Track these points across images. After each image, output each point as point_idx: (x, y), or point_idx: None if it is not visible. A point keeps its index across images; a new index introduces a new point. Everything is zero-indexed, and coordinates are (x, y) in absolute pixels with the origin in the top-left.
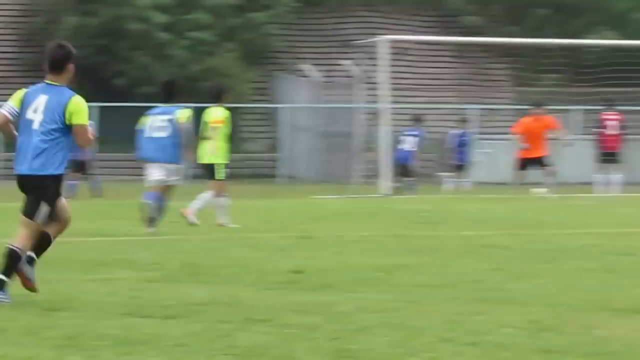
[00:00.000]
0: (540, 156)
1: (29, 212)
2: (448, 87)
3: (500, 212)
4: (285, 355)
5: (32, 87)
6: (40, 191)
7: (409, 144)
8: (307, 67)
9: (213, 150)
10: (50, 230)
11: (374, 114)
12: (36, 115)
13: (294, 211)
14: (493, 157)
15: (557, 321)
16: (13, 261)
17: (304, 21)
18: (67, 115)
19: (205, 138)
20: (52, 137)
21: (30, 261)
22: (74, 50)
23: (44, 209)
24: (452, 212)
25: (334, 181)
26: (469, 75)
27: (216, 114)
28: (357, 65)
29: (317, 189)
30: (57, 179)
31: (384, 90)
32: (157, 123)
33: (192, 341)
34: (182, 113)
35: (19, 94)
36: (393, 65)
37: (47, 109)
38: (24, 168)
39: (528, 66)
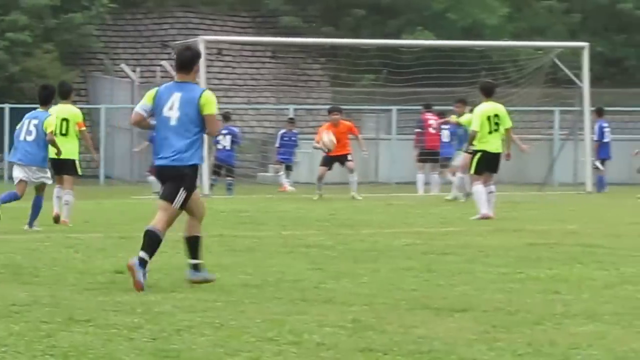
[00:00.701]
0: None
1: (168, 197)
2: (266, 87)
3: (320, 212)
4: (106, 355)
5: (163, 86)
6: (179, 180)
7: (225, 142)
8: (125, 68)
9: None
10: (196, 228)
11: None
12: (172, 112)
13: (114, 212)
14: (312, 157)
15: (377, 320)
16: (153, 241)
17: (122, 22)
18: (200, 108)
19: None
20: (189, 130)
21: (142, 263)
22: (200, 52)
23: (182, 195)
24: (272, 212)
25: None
26: (286, 75)
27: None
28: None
29: (137, 190)
30: (194, 169)
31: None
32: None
33: (14, 342)
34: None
35: (152, 92)
36: (211, 66)
37: (182, 105)
38: (164, 160)
39: (345, 66)
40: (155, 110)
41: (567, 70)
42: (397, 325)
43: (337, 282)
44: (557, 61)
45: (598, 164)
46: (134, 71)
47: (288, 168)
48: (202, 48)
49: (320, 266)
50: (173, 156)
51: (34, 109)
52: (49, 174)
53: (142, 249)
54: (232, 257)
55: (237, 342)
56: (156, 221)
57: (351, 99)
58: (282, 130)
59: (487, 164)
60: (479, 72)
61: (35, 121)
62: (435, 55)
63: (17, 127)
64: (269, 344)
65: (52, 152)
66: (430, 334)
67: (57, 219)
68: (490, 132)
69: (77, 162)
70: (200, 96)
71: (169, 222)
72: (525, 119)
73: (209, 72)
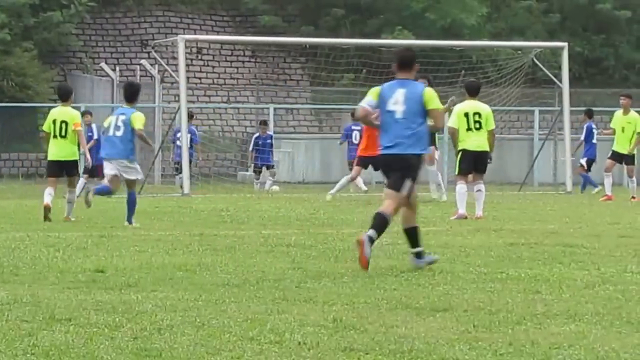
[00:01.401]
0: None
1: (395, 186)
2: (245, 86)
3: (300, 211)
4: (87, 354)
5: (386, 84)
6: (405, 169)
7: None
8: (105, 67)
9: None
10: (412, 219)
11: (172, 114)
12: (397, 106)
13: (95, 210)
14: (291, 156)
15: (358, 320)
16: (382, 223)
17: (102, 21)
18: (424, 103)
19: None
20: (414, 122)
21: (371, 240)
22: (415, 52)
23: (408, 183)
24: (252, 211)
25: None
26: (266, 74)
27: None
28: (155, 64)
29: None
30: (418, 159)
31: (182, 89)
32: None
33: None
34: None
35: (376, 90)
36: (190, 65)
37: (407, 100)
38: (392, 150)
39: (325, 66)
40: (380, 105)
41: (546, 70)
42: (378, 325)
43: (318, 282)
44: (536, 61)
45: (583, 162)
46: (113, 70)
47: (270, 168)
48: (181, 47)
49: (301, 265)
50: (401, 146)
51: (14, 107)
52: (138, 168)
53: (372, 227)
54: (213, 256)
55: (219, 341)
56: (385, 206)
57: (331, 99)
58: (256, 134)
59: (469, 162)
60: (458, 72)
61: (122, 117)
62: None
63: (104, 123)
64: (251, 343)
65: (52, 154)
66: (411, 334)
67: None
68: (468, 130)
69: (77, 163)
70: (423, 92)
71: (397, 209)
72: (505, 118)
73: (188, 71)
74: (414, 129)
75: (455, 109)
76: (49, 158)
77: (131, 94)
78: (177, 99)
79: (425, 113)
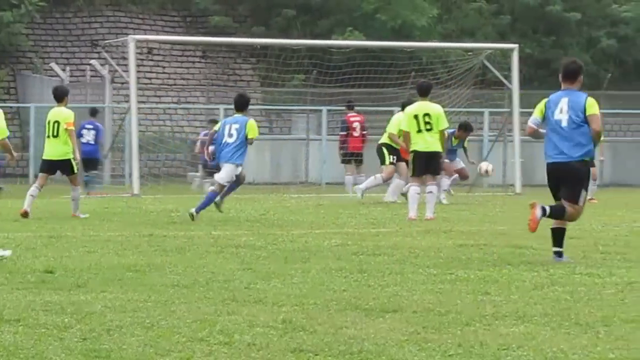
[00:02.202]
0: None
1: (572, 197)
2: (196, 87)
3: (250, 212)
4: (36, 355)
5: (553, 95)
6: (576, 178)
7: (89, 137)
8: (55, 67)
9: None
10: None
11: (122, 114)
12: (562, 115)
13: (44, 210)
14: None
15: (308, 321)
16: (562, 235)
17: (52, 21)
18: (586, 111)
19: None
20: (578, 130)
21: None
22: (582, 64)
23: (583, 193)
24: (202, 212)
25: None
26: (216, 75)
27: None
28: (105, 64)
29: (67, 189)
30: (584, 164)
31: (133, 89)
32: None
33: None
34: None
35: (541, 105)
36: (141, 65)
37: (570, 109)
38: (558, 158)
39: (275, 66)
40: (547, 115)
41: (496, 72)
42: (327, 326)
43: (268, 283)
44: (486, 63)
45: None
46: (63, 70)
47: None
48: (131, 47)
49: (251, 266)
50: (564, 154)
51: None
52: (239, 170)
53: (555, 245)
54: (163, 257)
55: (168, 342)
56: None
57: (281, 99)
58: (204, 132)
59: (421, 164)
60: (408, 73)
61: (236, 125)
62: (365, 55)
63: (217, 130)
64: (200, 344)
65: (45, 154)
66: (360, 335)
67: (25, 215)
68: (419, 131)
69: (72, 161)
70: (585, 100)
71: (574, 219)
72: (455, 120)
73: (139, 71)
74: (579, 135)
75: (406, 111)
76: (43, 157)
77: (241, 104)
78: (127, 99)
79: (586, 121)
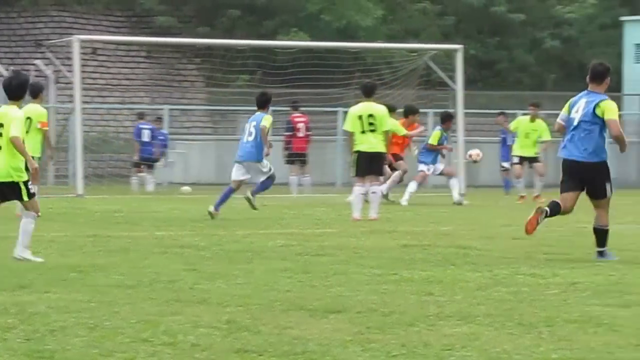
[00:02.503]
0: None
1: (598, 194)
2: (140, 87)
3: (194, 212)
4: None
5: (577, 95)
6: (599, 174)
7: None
8: None
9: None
10: (603, 220)
11: (67, 114)
12: (577, 114)
13: None
14: (186, 157)
15: (252, 321)
16: (604, 235)
17: None
18: (599, 112)
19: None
20: (587, 130)
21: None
22: (609, 67)
23: (608, 186)
24: (146, 213)
25: None
26: (161, 75)
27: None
28: (49, 64)
29: None
30: (603, 163)
31: (77, 89)
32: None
33: None
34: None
35: (568, 102)
36: (85, 65)
37: (584, 109)
38: (572, 155)
39: (220, 67)
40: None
41: (440, 73)
42: (271, 326)
43: (212, 283)
44: (430, 63)
45: (506, 165)
46: (7, 70)
47: (149, 167)
48: (76, 47)
49: (195, 267)
50: (583, 153)
51: None
52: (266, 168)
53: (598, 245)
54: (106, 257)
55: (112, 343)
56: (599, 219)
57: (226, 100)
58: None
59: (364, 164)
60: (353, 73)
61: (254, 123)
62: (310, 56)
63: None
64: (144, 344)
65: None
66: (304, 335)
67: None
68: (363, 132)
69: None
70: (598, 102)
71: (607, 213)
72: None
73: (83, 71)
74: (589, 137)
75: (350, 112)
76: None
77: (261, 102)
78: (71, 99)
79: (600, 121)
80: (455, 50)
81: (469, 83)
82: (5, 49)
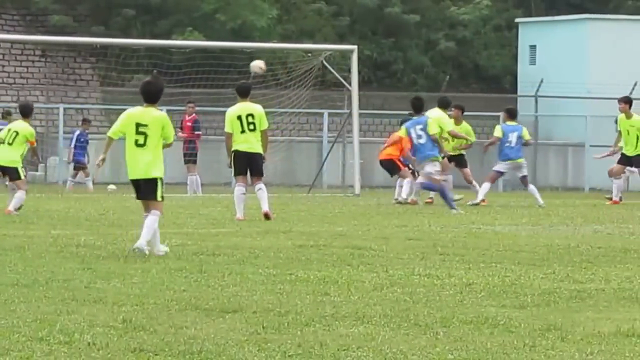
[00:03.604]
0: None
1: None
2: (35, 86)
3: (90, 211)
4: None
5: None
6: None
7: None
8: None
9: None
10: None
11: None
12: None
13: None
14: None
15: (148, 320)
16: None
17: None
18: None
19: None
20: None
21: None
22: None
23: None
24: (42, 211)
25: None
26: (56, 74)
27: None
28: None
29: None
30: None
31: None
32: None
33: None
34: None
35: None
36: None
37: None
38: None
39: (115, 66)
40: None
41: (336, 73)
42: (167, 326)
43: (108, 282)
44: (326, 64)
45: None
46: None
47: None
48: None
49: (91, 266)
50: None
51: None
52: (437, 167)
53: None
54: (2, 255)
55: (8, 341)
56: None
57: (121, 99)
58: (78, 131)
59: (242, 163)
60: (248, 73)
61: (420, 126)
62: (205, 56)
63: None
64: (40, 343)
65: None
66: (200, 335)
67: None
68: (242, 132)
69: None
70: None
71: None
72: (295, 121)
73: None
74: None
75: (228, 113)
76: None
77: (419, 106)
78: None
79: None
80: (350, 51)
81: (364, 84)
82: None
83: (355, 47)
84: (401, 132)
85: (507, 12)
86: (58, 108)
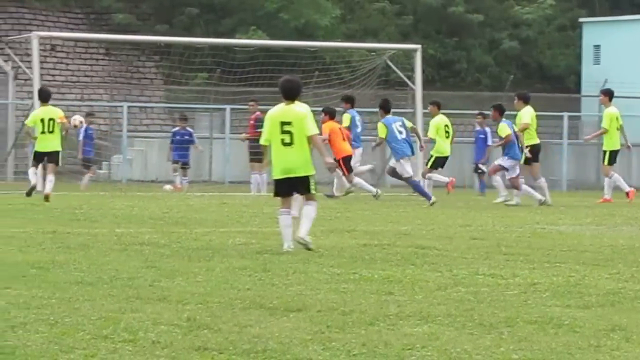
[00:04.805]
0: None
1: None
2: (99, 84)
3: (153, 210)
4: None
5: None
6: None
7: None
8: None
9: None
10: None
11: (26, 111)
12: None
13: None
14: (144, 154)
15: (212, 319)
16: None
17: None
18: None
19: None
20: None
21: None
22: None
23: None
24: (106, 210)
25: None
26: (120, 72)
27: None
28: (8, 61)
29: None
30: None
31: (36, 86)
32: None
33: None
34: None
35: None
36: (44, 62)
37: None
38: None
39: (179, 64)
40: None
41: (399, 72)
42: (232, 324)
43: (172, 281)
44: (389, 63)
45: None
46: None
47: (90, 162)
48: (35, 44)
49: (155, 264)
50: None
51: None
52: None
53: None
54: (66, 254)
55: (72, 339)
56: None
57: (184, 98)
58: (175, 128)
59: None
60: (312, 72)
61: (399, 123)
62: (269, 55)
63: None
64: (104, 341)
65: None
66: (265, 333)
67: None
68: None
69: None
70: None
71: None
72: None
73: (42, 68)
74: None
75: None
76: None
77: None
78: (30, 95)
79: None
80: (413, 50)
81: (427, 83)
82: None
83: (419, 46)
84: (344, 122)
85: (571, 11)
86: (122, 106)
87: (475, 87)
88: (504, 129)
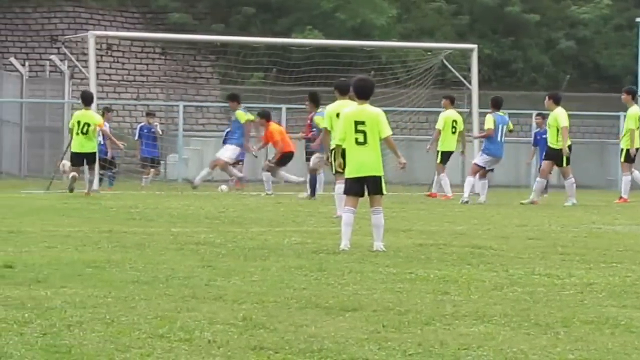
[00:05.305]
0: None
1: None
2: (155, 84)
3: (209, 209)
4: None
5: None
6: None
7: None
8: (14, 62)
9: None
10: None
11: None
12: None
13: (2, 206)
14: (201, 154)
15: (268, 319)
16: None
17: (12, 15)
18: None
19: None
20: None
21: None
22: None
23: None
24: (162, 209)
25: (42, 176)
26: (176, 72)
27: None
28: (65, 60)
29: (25, 184)
30: None
31: (93, 86)
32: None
33: None
34: None
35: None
36: (101, 62)
37: None
38: None
39: (235, 64)
40: None
41: (456, 72)
42: (288, 324)
43: (228, 280)
44: (446, 63)
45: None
46: (23, 65)
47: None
48: (91, 43)
49: (211, 264)
50: None
51: None
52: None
53: None
54: (122, 253)
55: (128, 338)
56: None
57: (241, 97)
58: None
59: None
60: (368, 72)
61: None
62: (325, 54)
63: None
64: (160, 341)
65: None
66: (321, 333)
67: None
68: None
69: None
70: None
71: None
72: (415, 120)
73: (99, 67)
74: None
75: (326, 111)
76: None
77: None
78: None
79: None
80: (470, 50)
81: (484, 83)
82: (21, 45)
83: (476, 46)
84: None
85: (628, 11)
86: (178, 106)
87: (532, 87)
88: (489, 121)
